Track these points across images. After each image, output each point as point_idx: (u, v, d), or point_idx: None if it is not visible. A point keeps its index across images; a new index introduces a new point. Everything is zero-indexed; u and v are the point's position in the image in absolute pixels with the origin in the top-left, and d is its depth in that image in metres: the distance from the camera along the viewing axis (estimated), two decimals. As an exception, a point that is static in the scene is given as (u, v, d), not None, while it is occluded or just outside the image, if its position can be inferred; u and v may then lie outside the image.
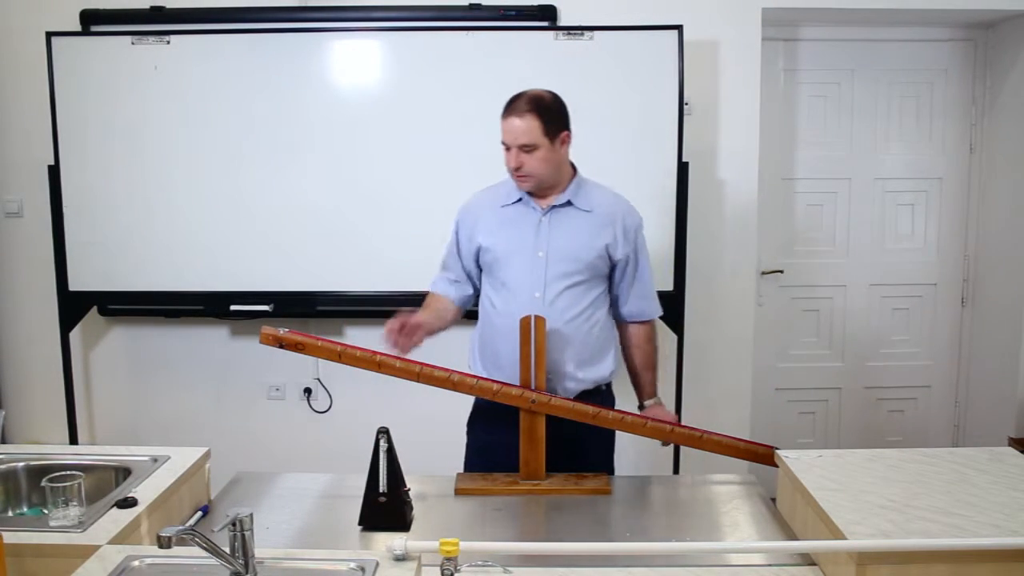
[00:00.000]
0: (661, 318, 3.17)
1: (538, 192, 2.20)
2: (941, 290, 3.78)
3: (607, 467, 2.27)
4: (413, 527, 1.81)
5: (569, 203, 2.20)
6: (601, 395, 2.27)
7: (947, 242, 3.75)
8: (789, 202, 3.70)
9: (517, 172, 2.14)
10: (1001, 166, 3.58)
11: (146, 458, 1.96)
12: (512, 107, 2.11)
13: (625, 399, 2.34)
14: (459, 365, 2.16)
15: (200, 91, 3.13)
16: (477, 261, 2.28)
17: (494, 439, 2.21)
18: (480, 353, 2.28)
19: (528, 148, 2.09)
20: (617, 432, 2.20)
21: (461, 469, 2.26)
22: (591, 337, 2.20)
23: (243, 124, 3.14)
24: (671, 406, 3.25)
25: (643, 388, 2.33)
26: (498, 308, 2.22)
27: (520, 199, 2.22)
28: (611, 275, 2.26)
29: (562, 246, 2.18)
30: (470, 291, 2.33)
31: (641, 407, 2.32)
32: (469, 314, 2.37)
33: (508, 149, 2.13)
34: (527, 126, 2.08)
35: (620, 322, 2.33)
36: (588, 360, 2.21)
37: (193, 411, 3.49)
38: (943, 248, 3.75)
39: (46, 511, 1.71)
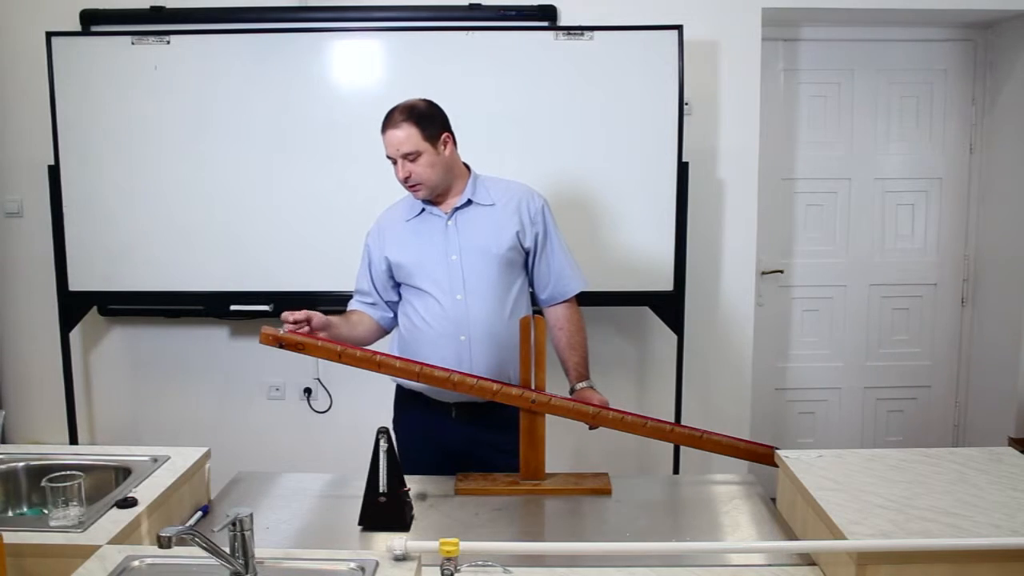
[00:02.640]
0: (661, 318, 3.22)
1: (436, 199, 2.22)
2: (941, 290, 3.78)
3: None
4: (413, 527, 1.81)
5: (470, 201, 2.22)
6: None
7: (947, 242, 3.75)
8: (789, 202, 3.70)
9: (407, 182, 2.16)
10: (1001, 166, 3.58)
11: (146, 458, 1.96)
12: (388, 121, 2.14)
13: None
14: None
15: (200, 91, 3.13)
16: (392, 277, 2.27)
17: (424, 433, 2.23)
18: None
19: (411, 156, 2.12)
20: (613, 432, 2.18)
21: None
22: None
23: (243, 124, 3.14)
24: (670, 406, 3.26)
25: (569, 371, 2.29)
26: (421, 314, 2.21)
27: (423, 210, 2.23)
28: (527, 263, 2.26)
29: (473, 245, 2.19)
30: (389, 314, 2.32)
31: (572, 391, 2.27)
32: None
33: (395, 163, 2.15)
34: (405, 135, 2.11)
35: (544, 307, 2.31)
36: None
37: (193, 411, 3.49)
38: (943, 248, 3.75)
39: (46, 511, 1.71)
